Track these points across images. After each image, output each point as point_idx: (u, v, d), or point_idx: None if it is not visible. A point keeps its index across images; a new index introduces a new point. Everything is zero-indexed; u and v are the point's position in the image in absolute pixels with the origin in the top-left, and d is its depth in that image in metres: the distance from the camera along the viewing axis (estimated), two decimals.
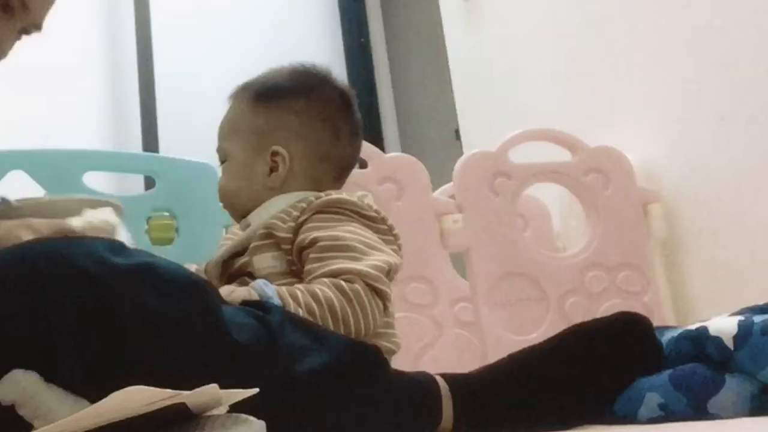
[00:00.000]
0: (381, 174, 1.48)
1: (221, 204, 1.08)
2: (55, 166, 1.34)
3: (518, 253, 1.51)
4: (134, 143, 2.99)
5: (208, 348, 0.73)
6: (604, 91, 1.84)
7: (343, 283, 0.88)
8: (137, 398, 0.55)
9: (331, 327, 0.86)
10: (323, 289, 0.87)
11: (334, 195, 0.98)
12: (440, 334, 1.43)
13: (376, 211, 0.99)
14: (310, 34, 3.50)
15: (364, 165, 1.52)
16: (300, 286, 0.88)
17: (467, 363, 1.13)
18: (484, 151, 1.56)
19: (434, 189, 1.54)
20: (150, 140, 2.97)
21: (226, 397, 0.61)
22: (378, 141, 3.28)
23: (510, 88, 2.29)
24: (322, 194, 0.98)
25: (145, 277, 0.71)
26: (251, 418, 0.62)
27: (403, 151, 1.91)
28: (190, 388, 0.58)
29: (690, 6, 1.56)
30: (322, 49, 3.51)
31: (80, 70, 3.11)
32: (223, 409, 0.62)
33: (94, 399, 0.56)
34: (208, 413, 0.62)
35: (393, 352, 0.95)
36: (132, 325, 0.69)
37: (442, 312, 1.44)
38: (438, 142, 3.15)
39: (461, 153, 2.07)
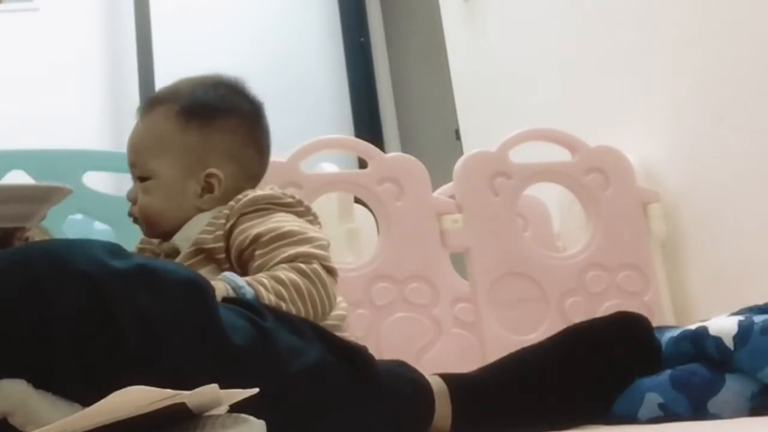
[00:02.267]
0: (381, 174, 1.48)
1: (133, 219, 1.04)
2: (55, 166, 1.34)
3: (518, 253, 1.51)
4: None
5: (205, 350, 0.73)
6: (604, 91, 1.84)
7: (301, 265, 0.89)
8: (137, 398, 0.55)
9: (301, 308, 0.87)
10: (286, 273, 0.88)
11: (251, 194, 0.98)
12: (440, 334, 1.43)
13: (291, 197, 1.01)
14: (310, 34, 3.51)
15: (364, 165, 1.52)
16: (264, 273, 0.89)
17: (467, 363, 1.13)
18: (484, 151, 1.56)
19: (434, 189, 1.54)
20: None
21: (226, 397, 0.61)
22: (378, 141, 3.28)
23: (510, 88, 2.29)
24: (240, 196, 0.98)
25: (143, 280, 0.71)
26: (251, 418, 0.62)
27: (403, 151, 1.91)
28: (190, 389, 0.58)
29: (690, 6, 1.56)
30: (322, 49, 3.51)
31: (80, 70, 3.12)
32: (223, 409, 0.62)
33: (92, 401, 0.56)
34: (208, 413, 0.62)
35: (344, 317, 0.96)
36: (130, 327, 0.69)
37: (442, 312, 1.44)
38: (438, 142, 3.15)
39: (461, 153, 2.07)
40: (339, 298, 0.97)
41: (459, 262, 1.58)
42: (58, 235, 1.25)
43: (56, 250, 0.70)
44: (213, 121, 1.02)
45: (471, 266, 1.49)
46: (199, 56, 3.18)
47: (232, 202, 0.98)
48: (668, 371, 0.97)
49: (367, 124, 3.46)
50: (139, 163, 1.02)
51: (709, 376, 0.94)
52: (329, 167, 1.56)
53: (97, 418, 0.56)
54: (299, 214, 0.99)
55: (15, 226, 0.95)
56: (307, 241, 0.93)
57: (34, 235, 1.00)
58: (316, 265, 0.90)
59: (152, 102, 1.05)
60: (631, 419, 0.97)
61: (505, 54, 2.32)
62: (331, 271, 0.92)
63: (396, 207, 1.46)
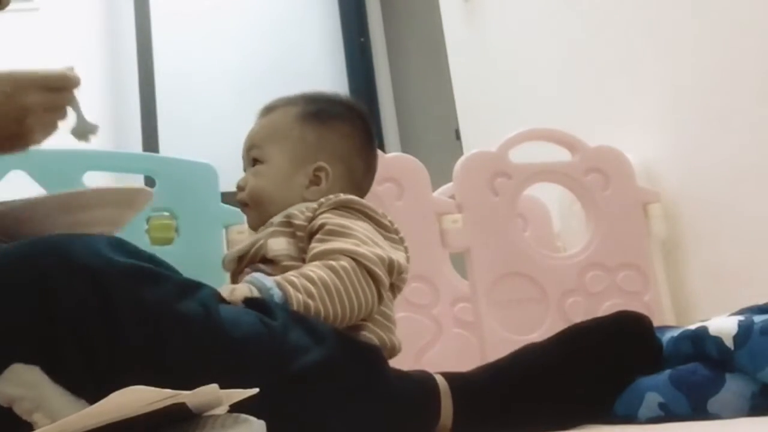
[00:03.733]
0: (381, 174, 1.47)
1: (242, 205, 1.08)
2: (55, 166, 1.34)
3: (518, 253, 1.51)
4: (134, 143, 2.99)
5: (205, 345, 0.73)
6: (604, 91, 1.84)
7: (331, 261, 0.90)
8: (137, 398, 0.55)
9: (329, 306, 0.87)
10: (314, 270, 0.89)
11: (351, 196, 1.01)
12: (440, 334, 1.43)
13: (389, 221, 1.02)
14: (310, 34, 3.51)
15: None
16: (294, 271, 0.89)
17: (467, 363, 1.13)
18: (484, 151, 1.56)
19: (434, 189, 1.54)
20: (150, 140, 2.98)
21: (226, 397, 0.61)
22: (378, 141, 3.28)
23: (510, 88, 2.29)
24: (341, 194, 1.01)
25: (145, 274, 0.72)
26: (251, 418, 0.62)
27: (403, 151, 1.91)
28: (189, 386, 0.58)
29: (690, 6, 1.56)
30: (322, 49, 3.52)
31: (80, 70, 3.12)
32: (223, 409, 0.62)
33: (94, 396, 0.56)
34: (208, 413, 0.62)
35: (396, 350, 0.96)
36: (131, 321, 0.69)
37: (442, 312, 1.44)
38: (438, 142, 3.15)
39: (461, 153, 2.07)
40: (393, 335, 0.97)
41: (459, 262, 1.58)
42: None
43: (60, 245, 0.71)
44: (329, 124, 1.08)
45: (471, 266, 1.49)
46: (199, 56, 3.18)
47: (331, 196, 1.00)
48: (668, 371, 0.97)
49: None
50: (256, 147, 1.08)
51: (709, 376, 0.94)
52: None
53: (97, 418, 0.56)
54: (388, 238, 1.00)
55: (107, 230, 0.94)
56: (362, 246, 0.92)
57: None
58: (344, 262, 0.90)
59: (273, 105, 1.12)
60: (631, 419, 0.97)
61: (505, 54, 2.32)
62: (371, 274, 0.91)
63: (396, 207, 1.46)
